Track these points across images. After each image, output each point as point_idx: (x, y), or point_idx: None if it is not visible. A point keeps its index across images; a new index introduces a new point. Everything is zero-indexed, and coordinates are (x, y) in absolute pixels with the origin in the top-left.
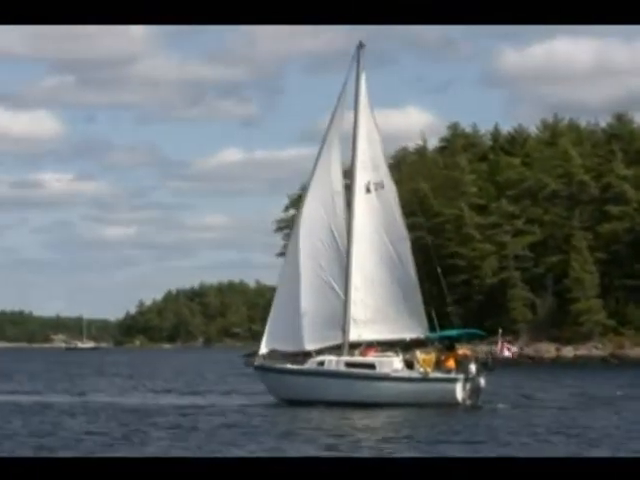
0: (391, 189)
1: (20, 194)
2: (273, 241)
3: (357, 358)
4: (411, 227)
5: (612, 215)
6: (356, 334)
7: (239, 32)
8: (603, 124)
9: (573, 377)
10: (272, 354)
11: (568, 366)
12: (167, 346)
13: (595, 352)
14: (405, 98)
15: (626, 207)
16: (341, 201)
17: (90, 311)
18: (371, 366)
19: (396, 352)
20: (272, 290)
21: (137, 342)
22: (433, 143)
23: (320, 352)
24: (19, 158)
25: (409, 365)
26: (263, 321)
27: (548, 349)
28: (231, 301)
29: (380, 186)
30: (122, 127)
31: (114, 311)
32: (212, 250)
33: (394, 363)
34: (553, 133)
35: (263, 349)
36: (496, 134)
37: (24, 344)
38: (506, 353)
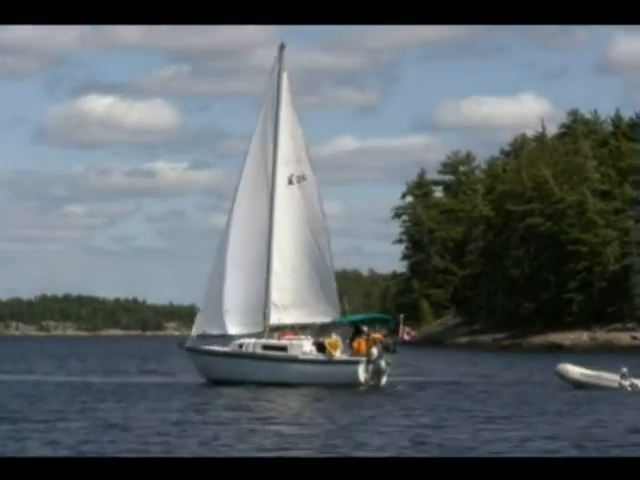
0: (312, 182)
1: (135, 183)
2: (387, 229)
3: (272, 341)
4: (530, 213)
5: None
6: (276, 318)
7: None
8: None
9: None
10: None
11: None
12: None
13: None
14: (519, 86)
15: None
16: (269, 192)
17: (202, 300)
18: (283, 348)
19: (307, 336)
20: (386, 279)
21: None
22: (551, 130)
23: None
24: (134, 147)
25: (321, 348)
26: (376, 309)
27: None
28: (345, 289)
29: (302, 178)
30: (237, 116)
31: None
32: None
33: (304, 346)
34: None
35: (194, 332)
36: (617, 120)
37: (137, 332)
38: (406, 337)
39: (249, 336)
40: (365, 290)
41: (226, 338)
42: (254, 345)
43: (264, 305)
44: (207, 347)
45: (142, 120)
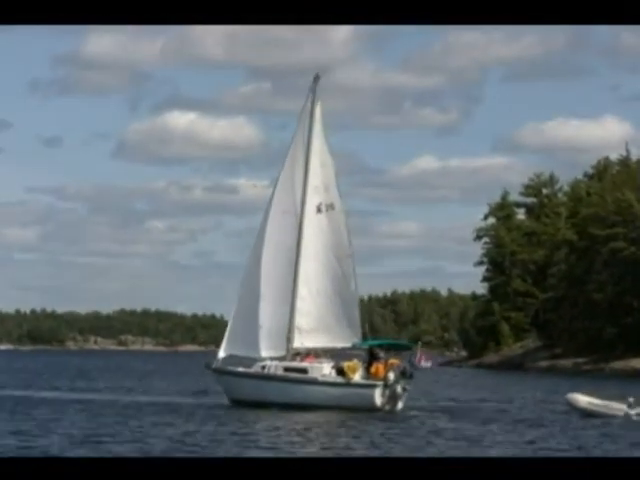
0: (340, 210)
1: (215, 199)
2: (466, 249)
3: (293, 363)
4: (613, 237)
5: None
6: (299, 342)
7: (437, 40)
8: None
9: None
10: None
11: None
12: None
13: None
14: (602, 108)
15: None
16: (298, 218)
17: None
18: (304, 371)
19: (328, 359)
20: (464, 299)
21: None
22: (634, 153)
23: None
24: (215, 163)
25: (341, 372)
26: (455, 330)
27: None
28: (423, 309)
29: (331, 207)
30: None
31: None
32: (405, 258)
33: (324, 369)
34: None
35: (222, 353)
36: None
37: (214, 348)
38: (423, 364)
39: (272, 359)
40: (443, 310)
41: (250, 359)
42: (276, 367)
43: (288, 329)
44: (231, 368)
45: (224, 137)
